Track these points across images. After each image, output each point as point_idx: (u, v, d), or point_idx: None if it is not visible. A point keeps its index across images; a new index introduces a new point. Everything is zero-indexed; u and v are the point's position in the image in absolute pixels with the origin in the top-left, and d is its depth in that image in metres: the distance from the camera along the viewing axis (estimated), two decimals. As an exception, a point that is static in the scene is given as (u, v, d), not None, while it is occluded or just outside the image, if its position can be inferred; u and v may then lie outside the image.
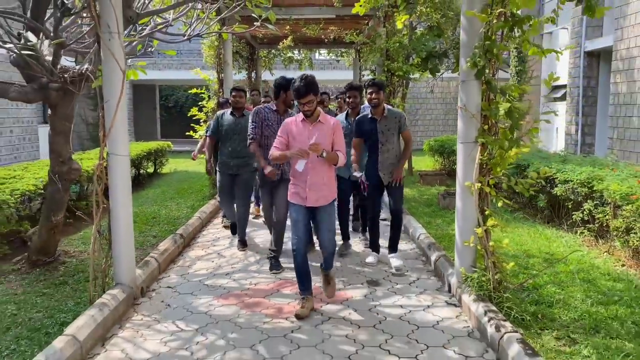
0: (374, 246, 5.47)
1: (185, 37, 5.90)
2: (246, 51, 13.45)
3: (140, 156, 10.26)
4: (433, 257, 5.20)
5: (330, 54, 15.32)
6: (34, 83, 4.60)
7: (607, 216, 5.42)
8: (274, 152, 4.16)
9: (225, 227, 6.89)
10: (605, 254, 5.42)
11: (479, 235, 3.99)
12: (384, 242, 5.55)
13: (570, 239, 5.99)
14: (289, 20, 9.35)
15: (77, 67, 4.67)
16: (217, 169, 6.10)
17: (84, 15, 4.70)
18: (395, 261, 5.20)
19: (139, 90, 22.52)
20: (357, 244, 6.16)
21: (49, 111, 5.06)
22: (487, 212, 4.05)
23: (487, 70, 3.93)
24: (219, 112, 6.10)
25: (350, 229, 6.22)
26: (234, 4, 6.34)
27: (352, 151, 5.29)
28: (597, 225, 5.64)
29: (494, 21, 3.79)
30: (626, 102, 9.74)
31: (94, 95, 4.57)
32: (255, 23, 5.98)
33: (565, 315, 3.87)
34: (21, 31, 4.42)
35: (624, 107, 9.83)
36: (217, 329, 3.86)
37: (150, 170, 11.80)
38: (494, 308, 3.74)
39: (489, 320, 3.56)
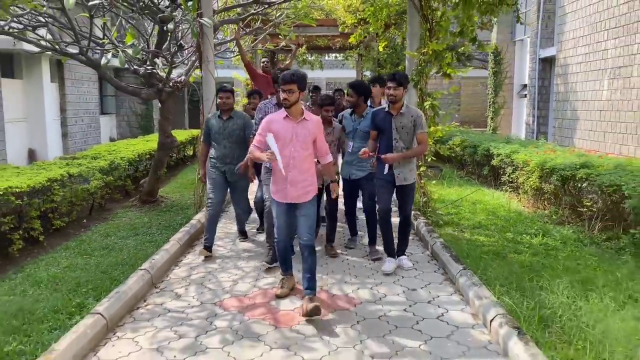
0: (389, 249, 5.05)
1: (234, 55, 8.92)
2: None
3: (185, 141, 13.27)
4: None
5: (337, 57, 18.24)
6: (153, 88, 7.60)
7: (518, 176, 8.32)
8: (254, 151, 4.06)
9: (203, 252, 5.39)
10: (515, 200, 8.34)
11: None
12: (363, 234, 5.92)
13: (498, 194, 8.88)
14: (304, 36, 12.31)
15: (179, 78, 7.68)
16: (209, 168, 5.63)
17: (190, 46, 7.70)
18: (406, 262, 5.09)
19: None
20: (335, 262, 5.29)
21: (159, 105, 8.06)
22: (422, 168, 6.95)
23: (420, 83, 6.82)
24: (208, 116, 5.76)
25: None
26: (266, 27, 9.38)
27: (369, 142, 5.07)
28: (514, 183, 8.52)
29: (421, 57, 6.67)
30: (563, 99, 12.60)
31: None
32: (281, 43, 9.01)
33: (464, 223, 6.81)
34: (145, 56, 7.42)
35: (561, 103, 12.69)
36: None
37: (190, 152, 14.81)
38: (424, 219, 6.64)
39: (420, 224, 6.45)
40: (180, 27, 7.43)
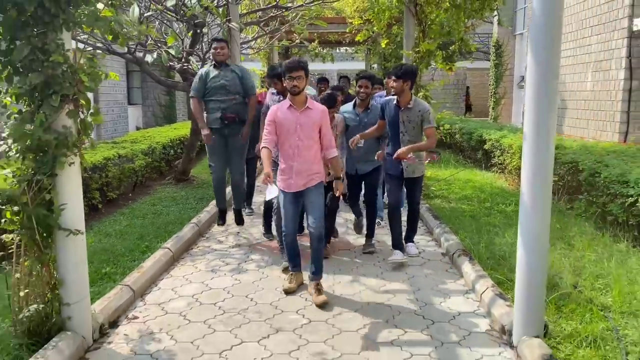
0: (398, 244, 4.98)
1: (255, 49, 10.16)
2: (282, 49, 17.65)
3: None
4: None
5: (347, 50, 19.39)
6: (187, 81, 8.86)
7: (505, 158, 9.48)
8: (263, 151, 4.03)
9: (219, 224, 5.88)
10: (502, 179, 9.52)
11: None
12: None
13: (489, 174, 10.05)
14: (317, 32, 13.51)
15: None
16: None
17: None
18: (412, 249, 5.21)
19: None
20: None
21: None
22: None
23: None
24: (202, 70, 5.38)
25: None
26: (282, 27, 10.61)
27: (371, 128, 5.11)
28: (502, 165, 9.69)
29: (415, 54, 7.85)
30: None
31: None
32: (295, 40, 10.24)
33: (452, 196, 8.02)
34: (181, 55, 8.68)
35: (553, 93, 13.78)
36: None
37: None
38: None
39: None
40: (211, 30, 8.69)
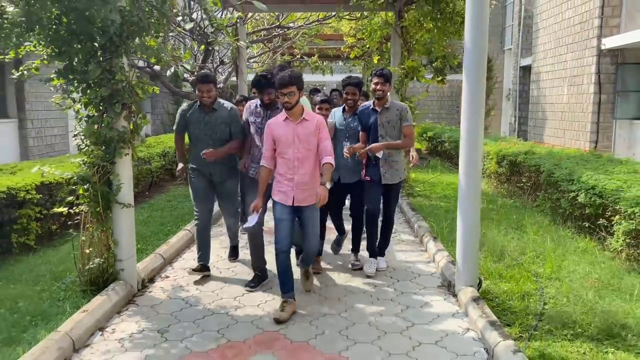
0: (372, 249, 5.06)
1: (260, 63, 11.27)
2: (284, 62, 18.82)
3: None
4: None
5: (346, 64, 20.54)
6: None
7: (485, 163, 10.52)
8: (262, 171, 4.03)
9: (195, 270, 4.83)
10: (484, 182, 10.54)
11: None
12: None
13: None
14: (317, 47, 14.63)
15: (219, 85, 10.03)
16: (190, 173, 4.88)
17: (229, 61, 10.07)
18: (371, 267, 4.94)
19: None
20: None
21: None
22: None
23: (401, 89, 9.04)
24: (184, 106, 4.83)
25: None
26: (284, 43, 11.73)
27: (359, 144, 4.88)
28: (483, 170, 10.70)
29: (401, 71, 8.91)
30: (536, 102, 14.76)
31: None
32: (297, 55, 11.34)
33: (434, 195, 9.05)
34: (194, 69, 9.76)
35: (535, 105, 14.85)
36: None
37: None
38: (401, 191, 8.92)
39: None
40: (221, 48, 9.80)
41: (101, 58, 3.86)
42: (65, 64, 3.88)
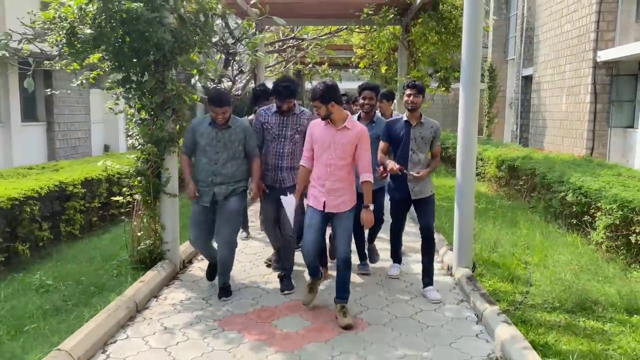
0: (396, 255, 5.12)
1: (274, 71, 12.03)
2: (295, 70, 19.58)
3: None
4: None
5: (355, 72, 21.30)
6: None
7: (486, 167, 11.18)
8: (301, 170, 4.07)
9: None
10: (485, 186, 11.21)
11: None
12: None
13: (471, 181, 11.76)
14: (328, 57, 15.38)
15: (236, 92, 10.78)
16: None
17: (248, 70, 10.83)
18: (433, 294, 4.50)
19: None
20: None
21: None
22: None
23: (407, 98, 9.74)
24: (196, 120, 4.55)
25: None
26: (298, 53, 12.47)
27: (379, 155, 4.66)
28: (485, 174, 11.38)
29: (406, 80, 9.61)
30: (537, 110, 15.43)
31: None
32: (309, 65, 12.08)
33: (437, 197, 9.69)
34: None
35: (536, 114, 15.52)
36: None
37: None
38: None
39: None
40: (240, 58, 10.55)
41: (154, 70, 4.59)
42: (124, 75, 4.61)
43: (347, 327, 3.82)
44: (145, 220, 4.83)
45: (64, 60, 4.59)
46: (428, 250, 4.65)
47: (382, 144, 4.69)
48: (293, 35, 10.77)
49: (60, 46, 4.51)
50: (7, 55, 7.43)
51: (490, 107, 20.55)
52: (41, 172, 7.31)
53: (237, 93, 10.78)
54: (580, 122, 12.49)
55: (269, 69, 13.09)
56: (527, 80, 17.08)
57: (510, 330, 3.52)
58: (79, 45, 4.49)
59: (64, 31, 4.47)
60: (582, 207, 6.37)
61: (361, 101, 5.02)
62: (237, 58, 9.11)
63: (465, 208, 4.78)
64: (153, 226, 4.86)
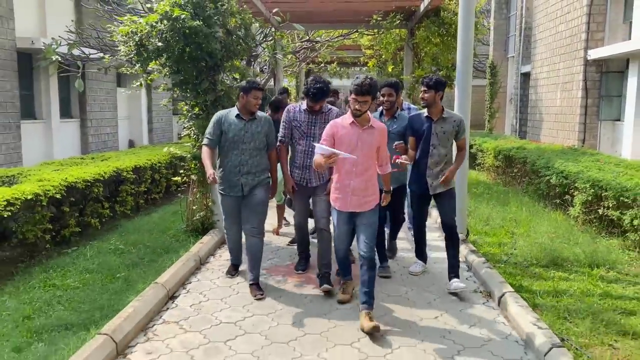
0: (421, 254, 5.12)
1: (290, 72, 13.09)
2: (307, 69, 20.63)
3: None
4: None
5: (362, 70, 22.32)
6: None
7: (485, 158, 12.20)
8: (317, 159, 3.79)
9: (229, 273, 4.99)
10: (484, 175, 12.24)
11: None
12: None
13: (474, 172, 12.76)
14: (338, 56, 16.41)
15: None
16: (219, 189, 4.71)
17: (268, 70, 11.90)
18: (458, 284, 4.53)
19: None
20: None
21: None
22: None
23: (413, 93, 10.75)
24: (221, 113, 4.63)
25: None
26: (311, 54, 13.53)
27: (409, 151, 4.70)
28: (483, 164, 12.39)
29: (412, 79, 10.64)
30: (534, 105, 16.43)
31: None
32: (320, 64, 13.12)
33: (440, 183, 10.76)
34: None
35: (533, 108, 16.52)
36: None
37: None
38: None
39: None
40: (261, 59, 11.64)
41: (207, 74, 5.67)
42: (182, 79, 5.69)
43: (373, 331, 3.72)
44: (198, 196, 5.92)
45: (136, 66, 5.65)
46: (452, 245, 4.62)
47: (410, 141, 4.71)
48: (308, 38, 11.82)
49: (131, 55, 5.58)
50: (60, 59, 8.59)
51: (491, 103, 21.50)
52: (92, 162, 8.42)
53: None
54: (573, 116, 13.48)
55: (285, 68, 14.17)
56: (526, 76, 18.06)
57: (492, 272, 4.59)
58: (145, 55, 5.57)
59: (134, 43, 5.55)
60: (564, 188, 7.41)
61: (381, 98, 5.00)
62: (258, 60, 10.15)
63: (461, 184, 5.83)
64: (205, 201, 5.94)
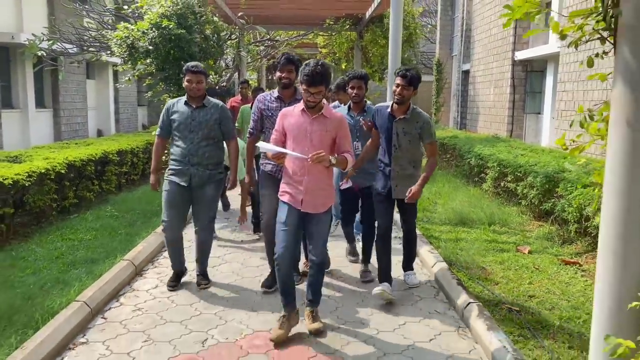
0: (385, 275, 4.33)
1: (251, 67, 14.38)
2: (268, 64, 21.87)
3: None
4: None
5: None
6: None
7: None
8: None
9: (170, 283, 4.53)
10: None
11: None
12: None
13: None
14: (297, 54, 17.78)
15: (222, 84, 13.09)
16: (165, 177, 4.39)
17: (232, 66, 13.14)
18: (412, 279, 4.56)
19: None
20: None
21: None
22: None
23: (361, 89, 12.27)
24: (172, 101, 4.45)
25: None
26: (270, 52, 14.87)
27: (367, 143, 4.42)
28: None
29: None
30: (472, 100, 18.31)
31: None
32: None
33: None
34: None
35: (472, 103, 18.39)
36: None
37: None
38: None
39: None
40: (226, 56, 12.88)
41: (202, 58, 6.96)
42: (166, 75, 6.96)
43: (317, 332, 3.57)
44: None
45: (127, 64, 6.88)
46: (408, 243, 4.61)
47: (374, 131, 4.36)
48: (269, 37, 13.14)
49: (124, 55, 6.81)
50: (45, 54, 9.68)
51: (437, 97, 23.36)
52: (76, 147, 9.52)
53: (222, 84, 13.09)
54: (503, 109, 15.33)
55: (248, 64, 15.45)
56: (466, 74, 19.92)
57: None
58: (135, 55, 6.82)
59: (126, 45, 6.78)
60: (480, 168, 9.07)
61: (349, 91, 4.72)
62: (224, 56, 11.38)
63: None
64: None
